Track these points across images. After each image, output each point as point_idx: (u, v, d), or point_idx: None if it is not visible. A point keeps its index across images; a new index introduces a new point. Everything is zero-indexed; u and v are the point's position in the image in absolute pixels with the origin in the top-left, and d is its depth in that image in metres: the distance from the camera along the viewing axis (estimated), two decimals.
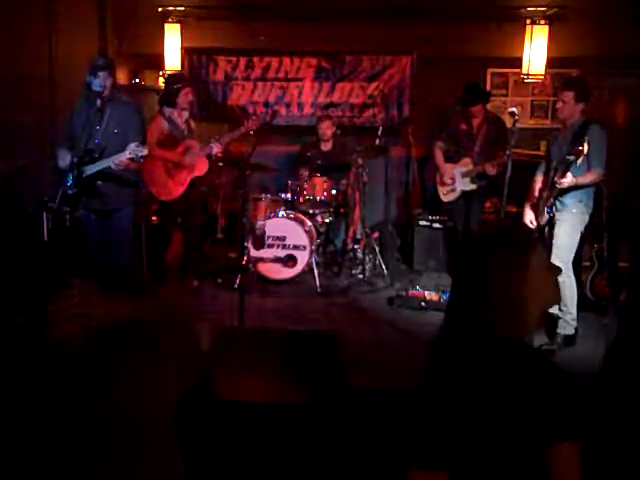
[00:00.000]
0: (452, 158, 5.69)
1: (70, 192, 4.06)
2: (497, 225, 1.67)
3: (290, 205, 5.76)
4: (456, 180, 5.58)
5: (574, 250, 4.20)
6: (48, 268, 4.20)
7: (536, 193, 4.37)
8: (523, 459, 1.42)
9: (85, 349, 4.03)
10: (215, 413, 2.33)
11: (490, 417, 1.42)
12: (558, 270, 1.61)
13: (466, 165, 5.52)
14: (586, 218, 4.22)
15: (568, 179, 3.94)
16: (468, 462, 1.44)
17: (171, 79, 5.58)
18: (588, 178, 4.05)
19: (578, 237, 4.20)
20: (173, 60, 6.58)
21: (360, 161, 5.68)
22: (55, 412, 3.18)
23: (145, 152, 4.10)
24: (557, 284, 1.59)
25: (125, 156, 4.05)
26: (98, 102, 4.11)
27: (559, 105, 4.21)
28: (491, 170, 5.25)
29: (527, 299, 1.45)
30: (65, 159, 4.14)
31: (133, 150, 4.04)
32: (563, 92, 4.18)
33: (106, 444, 2.92)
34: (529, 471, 1.41)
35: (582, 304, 4.66)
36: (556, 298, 1.53)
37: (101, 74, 4.14)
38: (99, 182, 4.28)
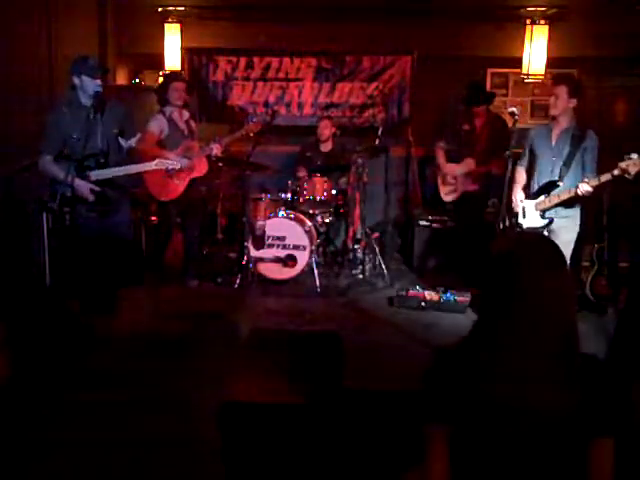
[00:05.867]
0: (454, 158, 5.68)
1: (70, 195, 4.04)
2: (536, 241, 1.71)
3: (290, 205, 5.75)
4: (458, 180, 5.57)
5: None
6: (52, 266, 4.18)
7: (522, 178, 4.41)
8: (562, 455, 1.46)
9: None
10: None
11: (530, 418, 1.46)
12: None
13: (468, 165, 5.50)
14: (579, 221, 4.26)
15: (589, 188, 3.93)
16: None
17: (164, 78, 5.58)
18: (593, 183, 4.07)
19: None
20: (173, 60, 6.58)
21: (360, 161, 5.67)
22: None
23: (179, 166, 4.22)
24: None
25: (152, 167, 4.09)
26: (95, 104, 4.07)
27: (552, 100, 4.23)
28: (497, 170, 5.22)
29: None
30: (58, 173, 4.03)
31: (163, 163, 4.10)
32: (556, 87, 4.19)
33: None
34: (566, 467, 1.47)
35: (582, 304, 4.66)
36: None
37: (100, 75, 4.13)
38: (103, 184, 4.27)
